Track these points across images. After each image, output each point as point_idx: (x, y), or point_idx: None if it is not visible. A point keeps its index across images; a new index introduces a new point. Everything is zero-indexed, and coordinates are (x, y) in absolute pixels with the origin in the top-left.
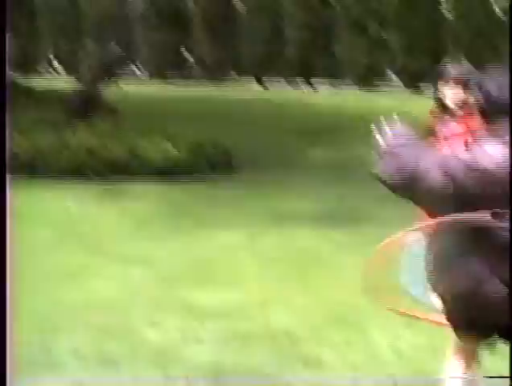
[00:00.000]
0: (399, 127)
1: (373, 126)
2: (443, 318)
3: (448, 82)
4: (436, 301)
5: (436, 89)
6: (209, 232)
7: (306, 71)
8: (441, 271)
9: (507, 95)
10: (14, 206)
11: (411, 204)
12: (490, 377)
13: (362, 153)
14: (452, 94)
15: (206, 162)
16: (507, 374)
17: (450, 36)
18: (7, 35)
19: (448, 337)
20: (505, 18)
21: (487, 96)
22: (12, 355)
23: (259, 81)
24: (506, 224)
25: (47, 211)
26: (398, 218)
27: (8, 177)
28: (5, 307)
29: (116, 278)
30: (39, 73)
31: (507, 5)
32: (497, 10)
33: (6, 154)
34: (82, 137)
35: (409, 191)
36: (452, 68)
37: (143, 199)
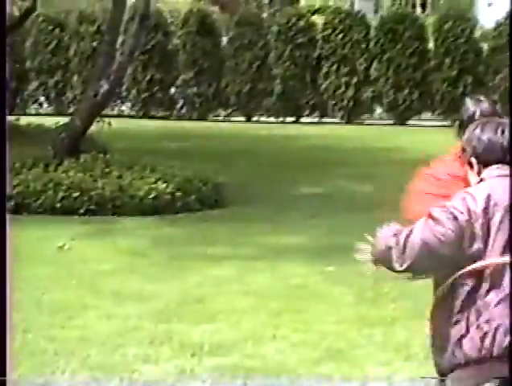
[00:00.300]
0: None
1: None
2: None
3: (473, 120)
4: None
5: (461, 127)
6: (201, 267)
7: (292, 107)
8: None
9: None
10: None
11: None
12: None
13: (349, 186)
14: None
15: (195, 198)
16: None
17: (435, 70)
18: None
19: None
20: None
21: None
22: (12, 355)
23: (246, 117)
24: None
25: (39, 250)
26: None
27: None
28: (5, 307)
29: (110, 315)
30: (27, 112)
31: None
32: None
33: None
34: (72, 175)
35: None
36: (475, 105)
37: (134, 235)
